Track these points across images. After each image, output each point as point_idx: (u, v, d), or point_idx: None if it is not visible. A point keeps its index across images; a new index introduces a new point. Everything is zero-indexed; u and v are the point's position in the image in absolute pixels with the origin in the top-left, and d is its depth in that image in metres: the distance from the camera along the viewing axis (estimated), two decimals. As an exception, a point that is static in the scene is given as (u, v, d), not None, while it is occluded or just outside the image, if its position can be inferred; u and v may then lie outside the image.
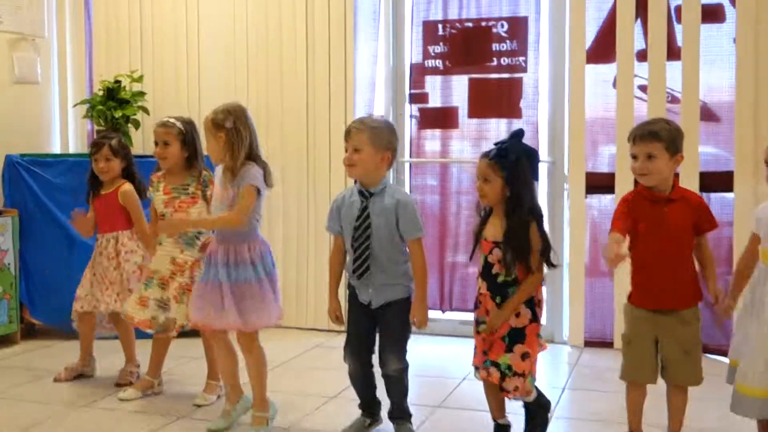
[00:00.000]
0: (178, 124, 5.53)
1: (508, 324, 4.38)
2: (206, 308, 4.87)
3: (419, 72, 7.40)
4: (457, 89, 7.29)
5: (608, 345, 6.85)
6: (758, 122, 6.38)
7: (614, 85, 6.77)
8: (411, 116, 7.48)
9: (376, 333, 4.81)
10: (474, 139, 7.30)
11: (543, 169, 6.89)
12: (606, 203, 6.95)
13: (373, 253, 4.64)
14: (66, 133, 8.22)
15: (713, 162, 6.65)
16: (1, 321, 6.92)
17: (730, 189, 6.53)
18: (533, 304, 4.42)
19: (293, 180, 7.50)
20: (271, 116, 7.51)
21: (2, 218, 6.98)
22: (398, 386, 4.82)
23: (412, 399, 4.96)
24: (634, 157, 4.39)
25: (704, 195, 6.50)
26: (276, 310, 4.94)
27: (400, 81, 7.49)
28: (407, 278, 4.71)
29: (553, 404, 4.80)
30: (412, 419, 4.93)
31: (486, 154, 4.43)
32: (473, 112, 7.27)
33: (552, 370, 6.36)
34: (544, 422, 4.65)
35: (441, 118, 7.39)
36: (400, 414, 4.89)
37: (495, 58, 7.16)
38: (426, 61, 7.36)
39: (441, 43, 7.29)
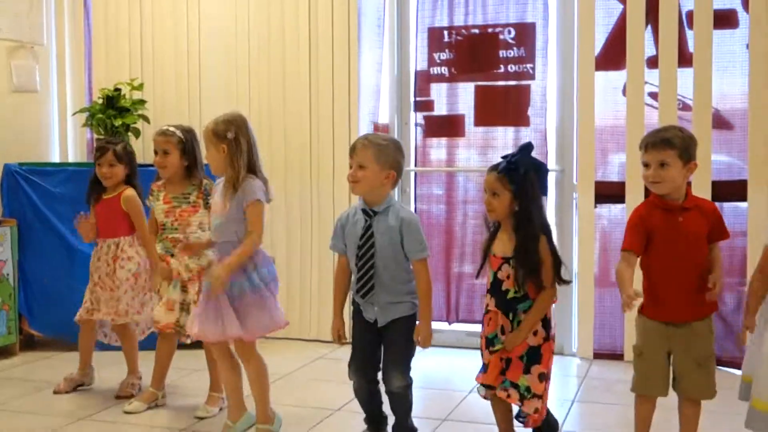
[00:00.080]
0: (178, 132, 5.51)
1: (526, 343, 4.32)
2: (203, 320, 4.82)
3: (424, 79, 7.32)
4: (463, 97, 7.21)
5: (618, 357, 6.77)
6: (772, 130, 6.31)
7: (624, 92, 6.69)
8: (416, 124, 7.40)
9: (380, 349, 4.74)
10: (480, 147, 7.21)
11: (551, 178, 6.81)
12: (616, 213, 6.87)
13: (378, 272, 4.59)
14: (65, 141, 8.15)
15: (726, 171, 6.57)
16: (0, 332, 6.83)
17: (743, 198, 6.44)
18: (547, 323, 4.35)
19: (296, 190, 7.42)
20: (274, 124, 7.43)
21: (1, 228, 6.93)
22: (402, 403, 4.77)
23: (417, 412, 4.93)
24: (646, 165, 4.31)
25: (717, 204, 6.40)
26: (273, 319, 4.84)
27: (405, 89, 7.42)
28: (412, 295, 4.66)
29: (561, 417, 4.71)
30: (418, 433, 4.87)
31: (494, 168, 4.39)
32: (480, 120, 7.18)
33: (561, 383, 6.28)
34: None
35: (447, 126, 7.30)
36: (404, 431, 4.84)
37: (502, 65, 7.08)
38: (431, 69, 7.28)
39: (447, 50, 7.21)
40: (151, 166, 5.66)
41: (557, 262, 4.35)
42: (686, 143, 4.26)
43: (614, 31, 6.70)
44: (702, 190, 6.05)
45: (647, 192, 4.49)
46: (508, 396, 4.34)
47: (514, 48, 7.03)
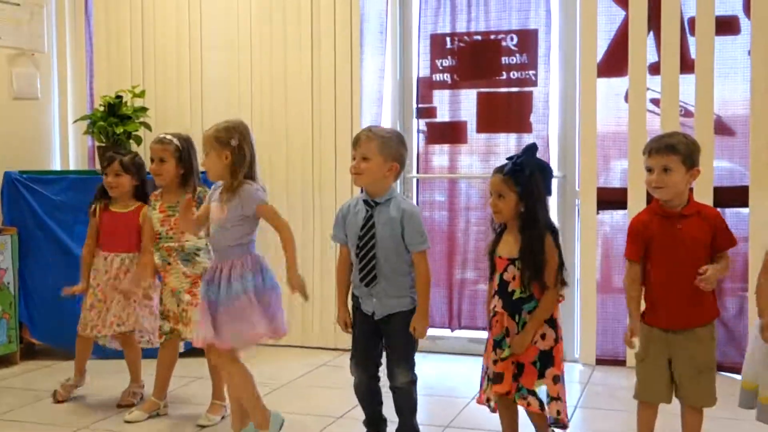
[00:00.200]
0: (175, 140, 5.52)
1: (536, 348, 4.32)
2: (204, 328, 4.80)
3: (427, 86, 7.31)
4: (466, 103, 7.20)
5: (620, 363, 6.75)
6: (774, 136, 6.30)
7: (626, 98, 6.68)
8: (418, 131, 7.39)
9: (381, 345, 4.75)
10: (483, 154, 7.20)
11: (554, 184, 6.77)
12: (618, 219, 6.86)
13: (379, 263, 4.59)
14: (66, 149, 8.13)
15: (728, 177, 6.57)
16: (1, 341, 6.82)
17: (745, 204, 6.44)
18: (555, 324, 4.34)
19: (298, 199, 7.40)
20: (276, 131, 7.42)
21: (1, 236, 6.91)
22: (407, 400, 4.75)
23: (420, 419, 4.89)
24: (650, 170, 4.30)
25: (719, 210, 6.41)
26: (259, 329, 4.76)
27: (407, 95, 7.41)
28: (413, 290, 4.65)
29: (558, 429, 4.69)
30: (422, 439, 4.86)
31: (499, 170, 4.40)
32: (482, 127, 7.17)
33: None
34: None
35: (449, 133, 7.29)
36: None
37: (504, 72, 7.07)
38: (434, 75, 7.27)
39: (449, 57, 7.20)
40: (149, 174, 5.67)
41: (560, 263, 4.36)
42: (690, 149, 4.25)
43: (616, 37, 6.69)
44: (704, 196, 6.04)
45: (649, 198, 4.49)
46: (528, 404, 4.33)
47: (517, 55, 7.02)
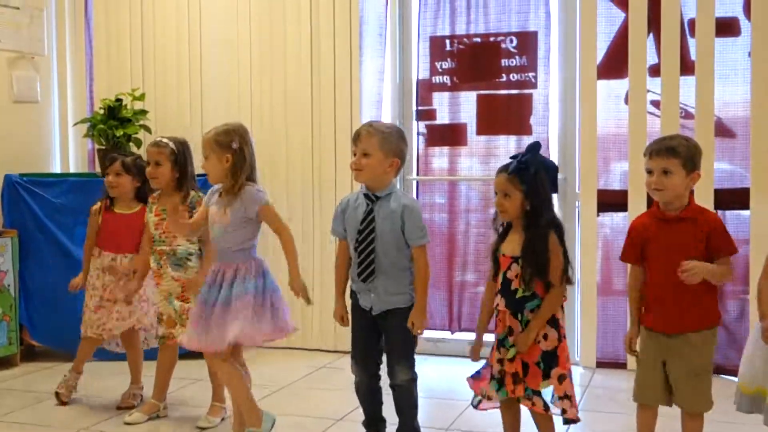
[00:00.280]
0: (171, 144, 5.51)
1: (539, 348, 4.29)
2: (195, 329, 4.83)
3: (426, 88, 7.31)
4: (465, 106, 7.19)
5: (621, 366, 6.73)
6: (774, 138, 6.29)
7: (626, 100, 6.67)
8: (418, 133, 7.38)
9: (380, 342, 4.75)
10: (483, 156, 7.19)
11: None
12: (618, 221, 6.85)
13: (378, 257, 4.59)
14: (66, 152, 8.13)
15: (728, 179, 6.56)
16: (1, 343, 6.82)
17: (746, 206, 6.43)
18: (557, 324, 4.31)
19: (298, 202, 7.41)
20: (276, 133, 7.42)
21: (2, 239, 6.91)
22: (407, 399, 4.75)
23: (421, 421, 4.89)
24: (650, 172, 4.28)
25: (719, 213, 6.41)
26: (259, 331, 4.77)
27: (406, 97, 7.40)
28: (412, 287, 4.64)
29: (564, 426, 4.67)
30: (422, 441, 4.85)
31: (504, 169, 4.38)
32: (482, 129, 7.16)
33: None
34: None
35: (449, 135, 7.29)
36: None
37: (504, 74, 7.06)
38: (433, 77, 7.26)
39: (449, 59, 7.19)
40: (151, 177, 5.66)
41: (566, 261, 4.35)
42: (691, 152, 4.23)
43: (616, 39, 6.69)
44: (704, 198, 6.03)
45: (650, 200, 4.48)
46: (533, 404, 4.31)
47: (516, 57, 7.01)
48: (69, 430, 5.43)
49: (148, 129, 7.42)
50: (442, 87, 7.25)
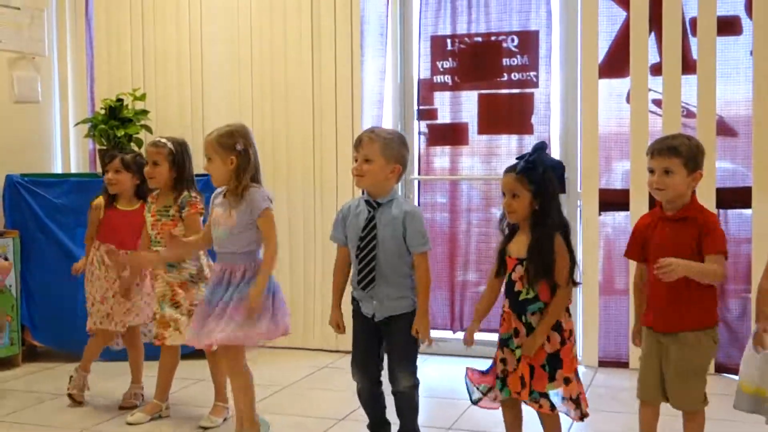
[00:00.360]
0: (169, 144, 5.52)
1: (544, 351, 4.27)
2: (195, 328, 4.83)
3: (428, 88, 7.30)
4: (467, 105, 7.19)
5: (623, 365, 6.75)
6: (776, 136, 6.29)
7: (628, 99, 6.66)
8: (419, 133, 7.38)
9: (382, 348, 4.73)
10: (484, 155, 7.19)
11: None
12: (620, 220, 6.85)
13: (379, 264, 4.57)
14: (67, 152, 8.13)
15: (730, 177, 6.56)
16: (3, 343, 6.79)
17: (747, 205, 6.43)
18: (559, 327, 4.29)
19: (299, 200, 7.40)
20: (277, 133, 7.42)
21: (3, 239, 6.91)
22: (409, 404, 4.74)
23: (422, 421, 4.88)
24: (652, 171, 4.27)
25: (721, 211, 6.43)
26: (266, 330, 4.78)
27: (408, 97, 7.39)
28: (413, 292, 4.62)
29: (567, 425, 4.67)
30: (423, 441, 4.83)
31: (511, 169, 4.34)
32: (483, 129, 7.16)
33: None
34: None
35: (450, 135, 7.28)
36: None
37: (505, 73, 7.06)
38: (435, 77, 7.26)
39: (450, 59, 7.19)
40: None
41: (572, 262, 4.32)
42: (693, 152, 4.21)
43: (618, 38, 6.68)
44: (706, 197, 6.02)
45: (651, 199, 4.49)
46: (540, 406, 4.29)
47: (518, 56, 7.01)
48: (71, 431, 5.42)
49: (149, 129, 7.41)
50: (443, 86, 7.24)
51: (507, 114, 7.08)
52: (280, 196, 7.00)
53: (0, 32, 7.43)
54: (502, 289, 4.47)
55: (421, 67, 7.32)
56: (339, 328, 4.76)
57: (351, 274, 4.72)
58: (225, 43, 7.60)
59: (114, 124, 7.21)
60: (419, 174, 7.39)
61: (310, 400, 6.07)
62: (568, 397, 4.29)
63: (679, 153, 4.17)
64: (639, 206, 6.41)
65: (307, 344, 7.37)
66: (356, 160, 4.59)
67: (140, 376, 5.99)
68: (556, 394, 4.28)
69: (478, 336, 7.04)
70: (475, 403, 4.53)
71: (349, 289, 4.78)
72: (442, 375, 6.61)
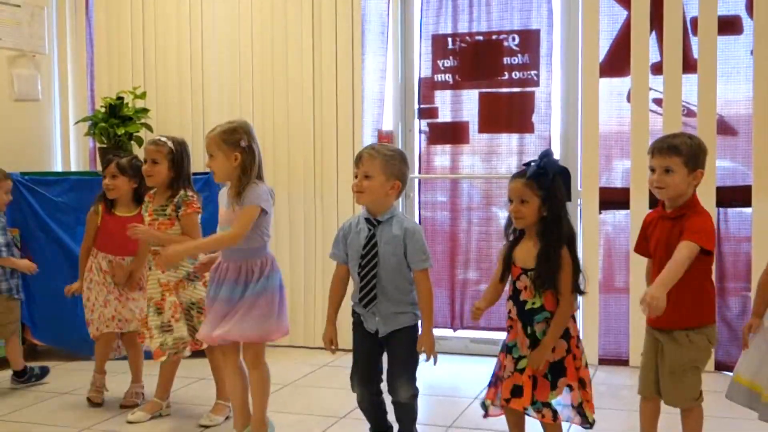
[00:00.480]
0: (169, 143, 5.50)
1: (546, 360, 4.24)
2: (212, 324, 4.80)
3: (428, 86, 7.30)
4: (468, 104, 7.19)
5: (623, 363, 6.76)
6: (776, 136, 6.29)
7: (628, 98, 6.67)
8: (420, 131, 7.38)
9: (382, 360, 4.73)
10: (485, 154, 7.19)
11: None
12: (620, 219, 6.86)
13: (380, 281, 4.56)
14: (68, 150, 8.13)
15: (730, 176, 6.57)
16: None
17: (747, 204, 6.44)
18: (567, 335, 4.27)
19: (300, 197, 7.41)
20: (278, 132, 7.42)
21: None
22: (408, 413, 4.75)
23: (422, 419, 4.90)
24: (653, 169, 4.27)
25: (721, 210, 6.44)
26: (281, 326, 4.84)
27: (409, 96, 7.39)
28: (414, 306, 4.63)
29: (568, 424, 4.66)
30: (422, 441, 4.84)
31: (520, 175, 4.30)
32: (484, 127, 7.16)
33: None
34: None
35: (451, 134, 7.28)
36: None
37: (506, 72, 7.05)
38: (435, 76, 7.26)
39: (451, 57, 7.19)
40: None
41: (576, 271, 4.27)
42: (694, 151, 4.21)
43: (618, 37, 6.69)
44: (706, 196, 6.01)
45: (652, 198, 4.49)
46: (543, 416, 4.28)
47: (519, 55, 7.01)
48: (72, 429, 5.42)
49: (149, 127, 7.41)
50: (444, 85, 7.24)
51: (508, 113, 7.09)
52: (281, 194, 7.00)
53: (0, 30, 7.42)
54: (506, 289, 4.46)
55: (422, 65, 7.31)
56: (332, 344, 4.74)
57: (353, 290, 4.72)
58: (225, 41, 7.60)
59: (114, 122, 7.21)
60: (420, 172, 7.38)
61: (311, 398, 6.08)
62: (570, 405, 4.28)
63: (679, 152, 4.17)
64: (639, 205, 6.42)
65: (307, 342, 7.37)
66: (356, 176, 4.58)
67: (140, 375, 6.00)
68: (558, 403, 4.27)
69: (479, 335, 7.11)
70: (485, 415, 4.50)
71: (347, 303, 4.77)
72: (442, 373, 6.55)
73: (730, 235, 6.55)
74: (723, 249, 6.51)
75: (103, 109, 7.37)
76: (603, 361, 6.82)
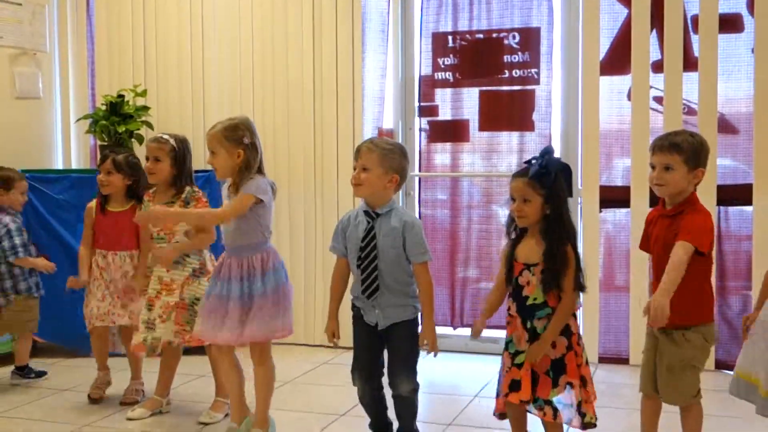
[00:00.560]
0: (171, 141, 5.50)
1: (548, 357, 4.24)
2: (215, 323, 4.80)
3: (429, 85, 7.30)
4: (468, 102, 7.18)
5: (623, 361, 6.75)
6: (777, 134, 6.29)
7: (629, 96, 6.66)
8: (420, 129, 7.38)
9: (383, 354, 4.73)
10: (485, 152, 7.18)
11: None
12: (621, 217, 6.85)
13: (381, 274, 4.56)
14: (69, 148, 8.14)
15: (731, 175, 6.56)
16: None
17: (748, 202, 6.42)
18: (568, 332, 4.27)
19: (300, 195, 7.41)
20: (278, 131, 7.42)
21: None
22: (409, 407, 4.75)
23: (423, 417, 4.91)
24: (653, 167, 4.26)
25: (722, 209, 6.43)
26: (287, 322, 4.87)
27: (409, 94, 7.39)
28: (414, 299, 4.63)
29: (567, 426, 4.67)
30: (423, 438, 4.84)
31: (522, 173, 4.29)
32: (484, 125, 7.15)
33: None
34: None
35: (451, 132, 7.27)
36: None
37: (506, 70, 7.05)
38: (436, 74, 7.25)
39: (451, 55, 7.18)
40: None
41: (578, 268, 4.27)
42: (695, 149, 4.19)
43: (619, 35, 6.68)
44: (707, 195, 6.02)
45: (652, 196, 4.48)
46: (544, 414, 4.27)
47: (519, 53, 7.00)
48: (73, 426, 5.42)
49: (150, 125, 7.41)
50: (444, 83, 7.24)
51: (508, 111, 7.08)
52: (281, 192, 6.95)
53: (1, 28, 7.43)
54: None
55: (422, 63, 7.30)
56: (334, 337, 4.76)
57: (352, 283, 4.72)
58: (226, 39, 7.60)
59: (115, 120, 7.22)
60: (420, 170, 7.38)
61: (312, 395, 6.08)
62: (570, 403, 4.27)
63: (680, 149, 4.16)
64: (640, 203, 6.42)
65: (308, 340, 7.38)
66: (355, 169, 4.59)
67: (139, 372, 6.00)
68: (558, 401, 4.26)
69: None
70: (500, 418, 4.50)
71: (347, 297, 4.77)
72: (443, 371, 6.61)
73: (731, 233, 6.55)
74: (723, 248, 6.51)
75: (103, 107, 7.37)
76: (603, 360, 6.81)
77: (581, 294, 4.35)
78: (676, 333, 4.22)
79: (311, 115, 7.36)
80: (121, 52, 7.92)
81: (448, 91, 7.25)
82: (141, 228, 5.71)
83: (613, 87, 6.76)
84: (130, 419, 5.52)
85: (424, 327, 4.58)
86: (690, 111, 6.51)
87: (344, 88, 7.26)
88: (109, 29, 7.96)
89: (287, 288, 4.88)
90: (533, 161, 4.29)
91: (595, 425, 4.30)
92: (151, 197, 5.56)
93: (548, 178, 4.20)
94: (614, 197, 6.77)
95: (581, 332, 6.59)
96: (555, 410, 4.25)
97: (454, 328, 7.32)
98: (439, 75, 7.24)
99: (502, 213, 6.82)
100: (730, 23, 6.42)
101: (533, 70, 6.98)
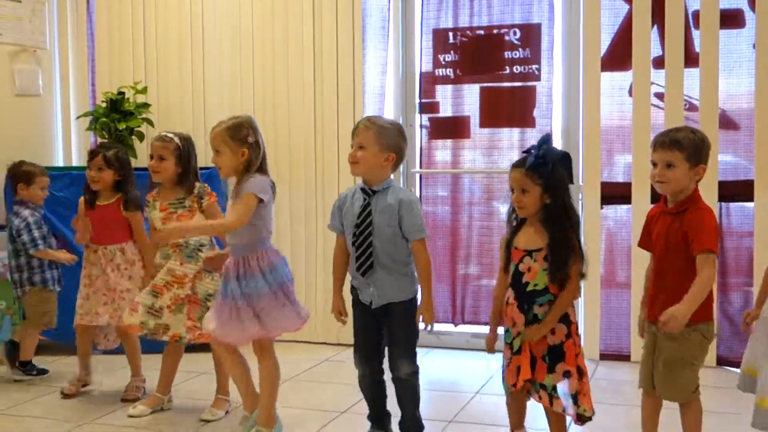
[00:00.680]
0: (176, 139, 5.51)
1: (546, 342, 4.24)
2: (219, 321, 4.80)
3: (429, 81, 7.29)
4: (469, 98, 7.18)
5: (625, 358, 6.75)
6: (778, 130, 6.28)
7: (630, 92, 6.65)
8: (421, 126, 7.37)
9: (380, 334, 4.73)
10: (486, 149, 7.18)
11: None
12: (622, 214, 6.84)
13: (376, 251, 4.57)
14: (69, 146, 8.12)
15: (732, 171, 6.54)
16: (4, 336, 6.76)
17: (750, 198, 6.42)
18: (567, 320, 4.27)
19: (301, 193, 7.41)
20: (279, 127, 7.41)
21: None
22: (410, 391, 4.75)
23: (424, 414, 4.90)
24: (654, 164, 4.25)
25: (723, 205, 6.42)
26: (293, 317, 4.84)
27: (409, 90, 7.38)
28: (411, 280, 4.64)
29: (570, 420, 4.66)
30: (425, 433, 4.86)
31: (519, 164, 4.30)
32: (485, 122, 7.15)
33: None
34: None
35: (452, 128, 7.27)
36: (413, 426, 4.82)
37: (507, 67, 7.04)
38: (436, 70, 7.24)
39: (452, 52, 7.17)
40: (147, 170, 5.65)
41: (581, 255, 4.29)
42: (696, 146, 4.17)
43: (620, 31, 6.67)
44: (708, 191, 6.00)
45: (653, 192, 4.47)
46: (540, 398, 4.29)
47: (520, 49, 6.99)
48: (74, 423, 5.42)
49: (150, 122, 7.41)
50: (445, 80, 7.23)
51: (509, 107, 7.08)
52: (282, 189, 6.95)
53: (1, 25, 7.41)
54: None
55: (422, 60, 7.30)
56: (341, 314, 4.78)
57: (350, 261, 4.72)
58: (226, 36, 7.58)
59: (115, 117, 7.21)
60: (421, 167, 7.38)
61: (312, 392, 6.08)
62: (569, 393, 4.27)
63: (681, 146, 4.15)
64: (641, 199, 6.41)
65: (309, 337, 7.35)
66: (353, 147, 4.60)
67: (139, 368, 6.01)
68: (553, 388, 4.26)
69: (480, 329, 7.09)
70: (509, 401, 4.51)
71: (348, 278, 4.78)
72: (444, 368, 6.62)
73: (732, 230, 6.53)
74: (725, 244, 6.49)
75: (104, 104, 7.36)
76: (604, 357, 6.81)
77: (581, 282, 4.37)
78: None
79: (312, 111, 7.35)
80: (122, 49, 7.91)
81: (449, 87, 7.24)
82: (141, 224, 5.73)
83: (614, 83, 6.75)
84: (131, 416, 5.52)
85: (423, 303, 4.59)
86: (691, 107, 6.50)
87: (345, 85, 7.25)
88: (110, 26, 7.95)
89: (288, 288, 4.84)
90: (532, 151, 4.29)
91: (590, 418, 4.30)
92: (156, 196, 5.57)
93: (545, 169, 4.21)
94: (615, 194, 6.76)
95: (582, 327, 6.69)
96: (551, 396, 4.26)
97: (455, 325, 7.31)
98: (440, 71, 7.23)
99: (504, 209, 6.81)
100: (731, 19, 6.41)
101: (534, 67, 6.97)
